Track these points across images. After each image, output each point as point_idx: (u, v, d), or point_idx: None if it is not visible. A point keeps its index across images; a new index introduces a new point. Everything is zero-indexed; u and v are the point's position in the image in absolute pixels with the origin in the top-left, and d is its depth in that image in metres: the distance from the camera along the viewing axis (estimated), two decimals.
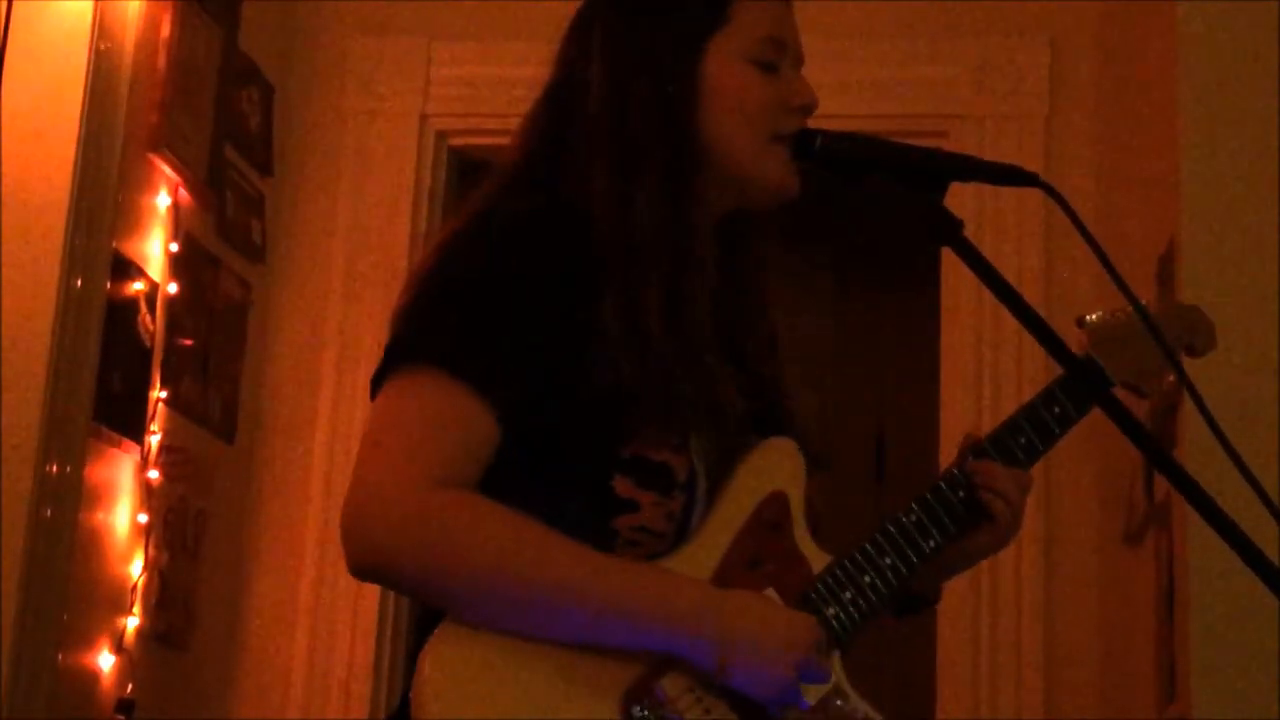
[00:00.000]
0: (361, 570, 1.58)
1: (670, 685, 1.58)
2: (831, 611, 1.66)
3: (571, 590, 1.55)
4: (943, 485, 1.76)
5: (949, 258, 3.63)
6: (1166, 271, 2.95)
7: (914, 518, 1.73)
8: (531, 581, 1.54)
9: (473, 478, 1.59)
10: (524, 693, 1.54)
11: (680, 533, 1.64)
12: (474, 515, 1.56)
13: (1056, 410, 1.81)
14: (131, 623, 3.28)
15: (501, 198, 1.72)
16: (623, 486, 1.61)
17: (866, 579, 1.69)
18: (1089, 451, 3.53)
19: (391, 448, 1.58)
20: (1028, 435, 1.81)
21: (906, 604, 1.85)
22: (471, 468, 1.59)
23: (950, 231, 1.63)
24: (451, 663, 1.54)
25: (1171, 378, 1.87)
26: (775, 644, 1.58)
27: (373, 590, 3.71)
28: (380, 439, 1.59)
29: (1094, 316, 1.85)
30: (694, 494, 1.65)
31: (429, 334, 1.62)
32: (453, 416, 1.58)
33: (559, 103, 1.76)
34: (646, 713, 1.56)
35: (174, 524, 3.47)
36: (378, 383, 1.63)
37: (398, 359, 1.62)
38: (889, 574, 1.70)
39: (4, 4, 3.10)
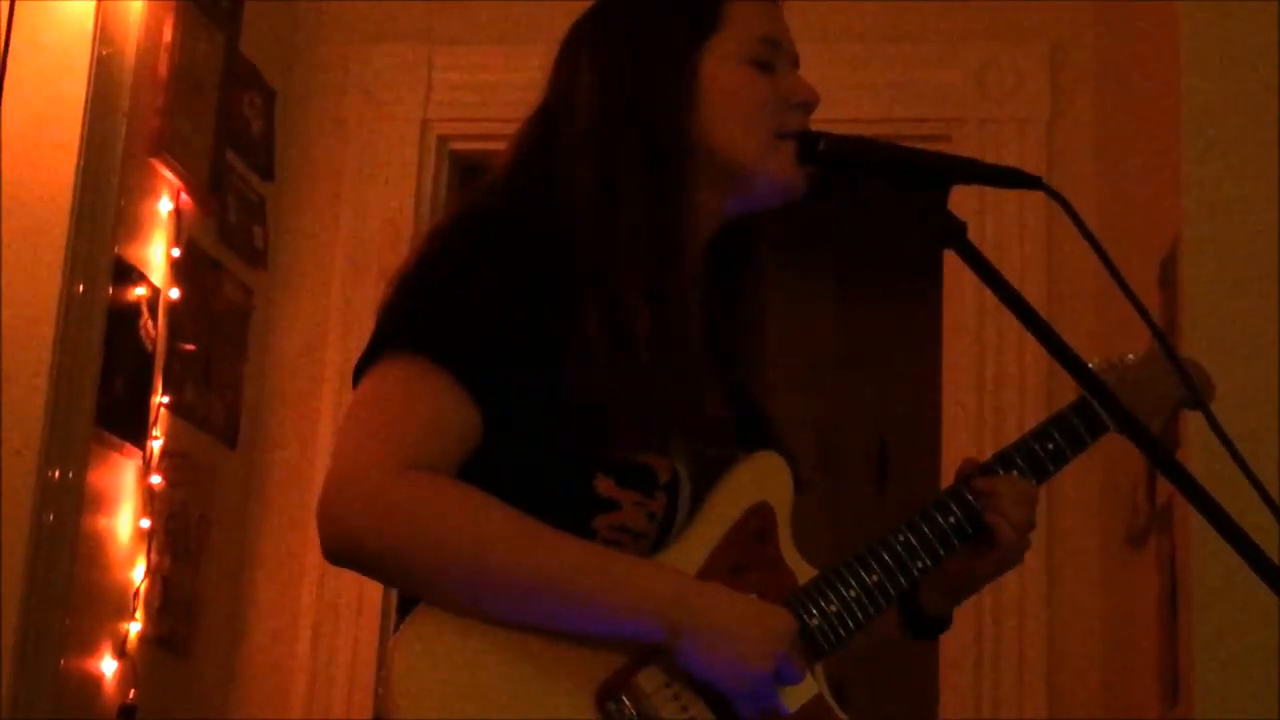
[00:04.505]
0: (333, 554, 1.56)
1: (646, 680, 1.56)
2: (815, 622, 1.65)
3: (540, 572, 1.53)
4: (933, 509, 1.75)
5: (951, 262, 3.65)
6: (1169, 274, 2.95)
7: (902, 539, 1.72)
8: (499, 563, 1.53)
9: (450, 464, 1.58)
10: (496, 681, 1.53)
11: (663, 534, 1.63)
12: (443, 497, 1.55)
13: (1050, 447, 1.81)
14: (134, 628, 3.28)
15: (487, 200, 1.73)
16: (604, 486, 1.60)
17: (852, 594, 1.67)
18: (1092, 454, 3.50)
19: (367, 431, 1.58)
20: (1034, 453, 1.81)
21: (923, 627, 1.84)
22: (449, 453, 1.58)
23: (953, 234, 1.63)
24: (421, 650, 1.53)
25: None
26: (751, 635, 1.56)
27: (375, 595, 3.71)
28: (357, 423, 1.59)
29: (1091, 364, 1.85)
30: (676, 496, 1.64)
31: (411, 323, 1.62)
32: (431, 401, 1.58)
33: (550, 116, 1.76)
34: (621, 707, 1.55)
35: (176, 529, 3.47)
36: (360, 373, 1.63)
37: (380, 348, 1.62)
38: (876, 592, 1.68)
39: (6, 9, 3.10)
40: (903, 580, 1.71)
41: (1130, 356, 1.92)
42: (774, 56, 1.75)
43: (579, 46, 1.77)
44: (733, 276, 1.81)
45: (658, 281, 1.66)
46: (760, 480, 1.71)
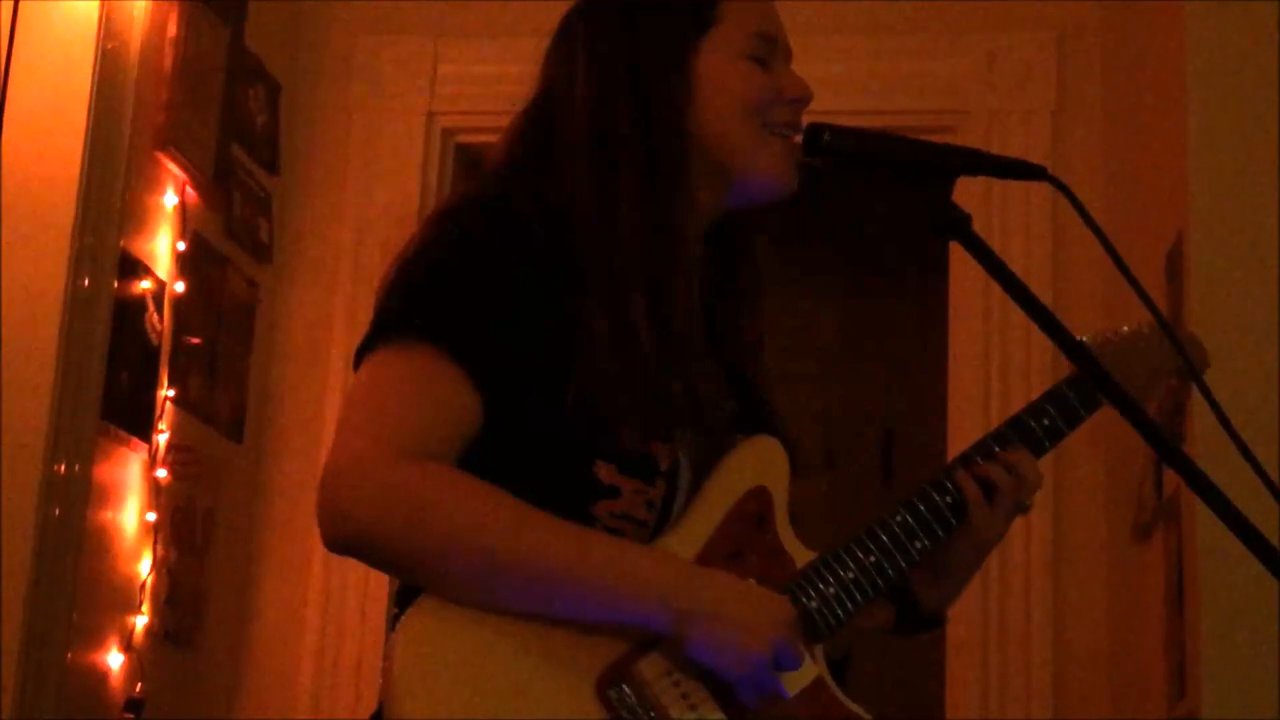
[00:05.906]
0: (334, 542, 1.56)
1: (648, 667, 1.56)
2: (814, 606, 1.65)
3: (544, 560, 1.53)
4: (929, 488, 1.75)
5: (957, 253, 3.64)
6: (1175, 265, 2.95)
7: (899, 519, 1.72)
8: (503, 551, 1.52)
9: (453, 450, 1.58)
10: (497, 670, 1.53)
11: (662, 522, 1.63)
12: (447, 485, 1.54)
13: (1046, 422, 1.80)
14: (140, 621, 3.28)
15: (486, 190, 1.73)
16: (605, 472, 1.60)
17: (850, 576, 1.68)
18: (1097, 447, 3.53)
19: (368, 418, 1.57)
20: (1030, 429, 1.80)
21: (920, 622, 1.83)
22: (451, 440, 1.58)
23: (958, 225, 1.62)
24: (424, 638, 1.53)
25: (1159, 398, 1.86)
26: (749, 621, 1.56)
27: (381, 589, 3.71)
28: (357, 410, 1.58)
29: (1084, 338, 1.84)
30: (676, 484, 1.64)
31: (410, 308, 1.61)
32: (433, 387, 1.57)
33: (544, 110, 1.76)
34: (622, 695, 1.55)
35: (182, 523, 3.47)
36: (360, 359, 1.62)
37: (379, 333, 1.61)
38: (874, 573, 1.69)
39: (11, 4, 3.10)
40: (901, 560, 1.71)
41: (1125, 329, 1.92)
42: (769, 52, 1.76)
43: (574, 40, 1.77)
44: (731, 267, 1.81)
45: (659, 274, 1.66)
46: (756, 464, 1.71)
